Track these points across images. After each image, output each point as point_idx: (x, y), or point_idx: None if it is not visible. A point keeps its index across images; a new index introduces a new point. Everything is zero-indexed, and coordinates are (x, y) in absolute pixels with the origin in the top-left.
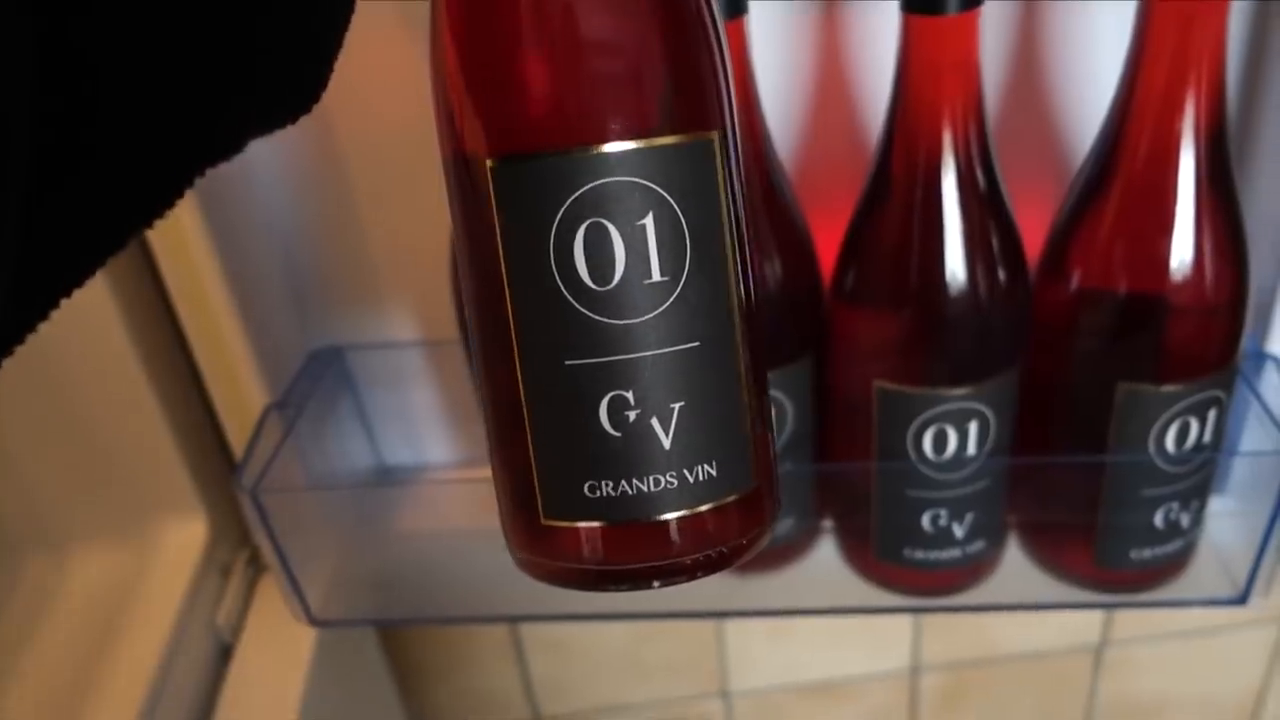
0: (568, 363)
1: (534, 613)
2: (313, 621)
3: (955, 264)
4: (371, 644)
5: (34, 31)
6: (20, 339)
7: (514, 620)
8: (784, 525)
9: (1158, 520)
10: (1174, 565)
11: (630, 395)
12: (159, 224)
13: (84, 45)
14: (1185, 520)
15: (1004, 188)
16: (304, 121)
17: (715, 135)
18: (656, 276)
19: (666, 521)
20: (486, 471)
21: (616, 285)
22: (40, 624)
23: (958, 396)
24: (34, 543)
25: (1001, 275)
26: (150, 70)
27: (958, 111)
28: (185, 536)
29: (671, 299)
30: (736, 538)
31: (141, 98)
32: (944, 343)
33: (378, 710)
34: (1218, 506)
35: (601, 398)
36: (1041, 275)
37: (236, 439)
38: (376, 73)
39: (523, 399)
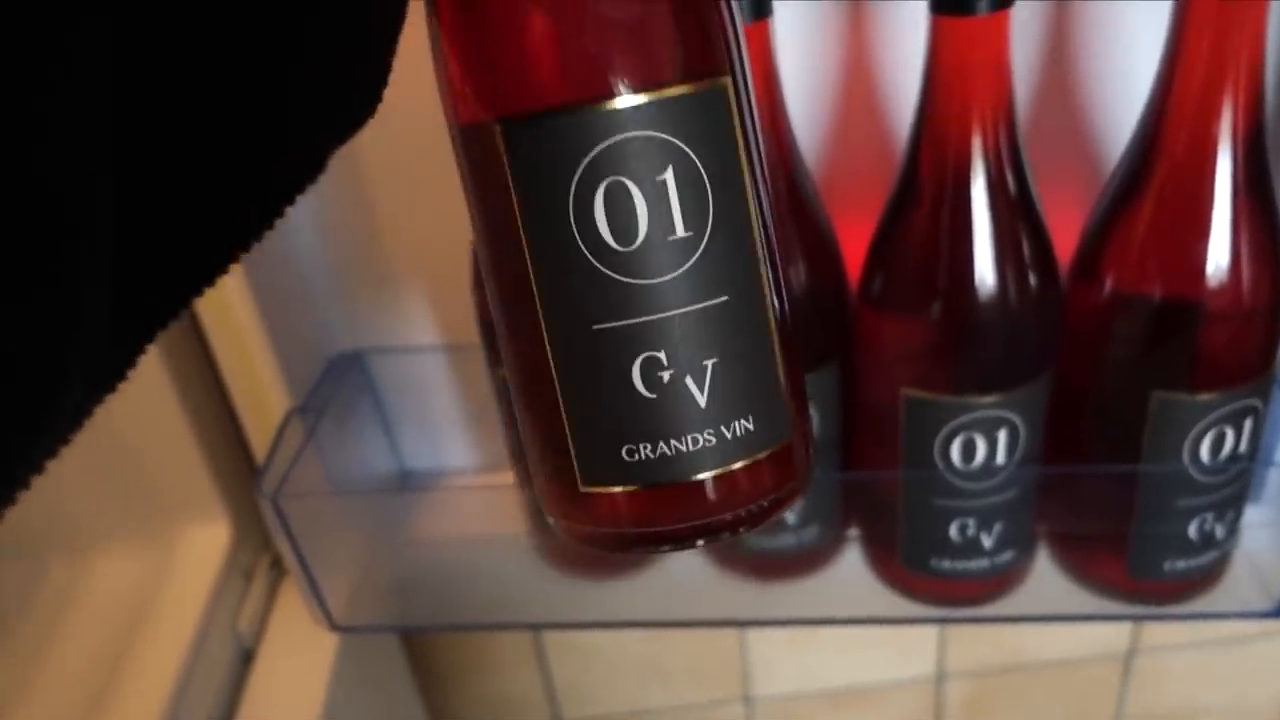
0: (596, 327)
1: (556, 619)
2: (334, 627)
3: (985, 269)
4: (394, 649)
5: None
6: (121, 376)
7: (536, 628)
8: (809, 533)
9: (1192, 531)
10: (1208, 577)
11: (663, 355)
12: None
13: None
14: (1220, 531)
15: (1035, 191)
16: None
17: (728, 81)
18: (680, 232)
19: (706, 480)
20: (508, 477)
21: (641, 244)
22: (63, 627)
23: (987, 404)
24: (57, 546)
25: (1032, 280)
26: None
27: (988, 114)
28: (207, 540)
29: (697, 254)
30: (775, 491)
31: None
32: (973, 350)
33: (400, 716)
34: (1253, 517)
35: (634, 360)
36: (1073, 280)
37: (258, 444)
38: (399, 74)
39: (552, 369)
